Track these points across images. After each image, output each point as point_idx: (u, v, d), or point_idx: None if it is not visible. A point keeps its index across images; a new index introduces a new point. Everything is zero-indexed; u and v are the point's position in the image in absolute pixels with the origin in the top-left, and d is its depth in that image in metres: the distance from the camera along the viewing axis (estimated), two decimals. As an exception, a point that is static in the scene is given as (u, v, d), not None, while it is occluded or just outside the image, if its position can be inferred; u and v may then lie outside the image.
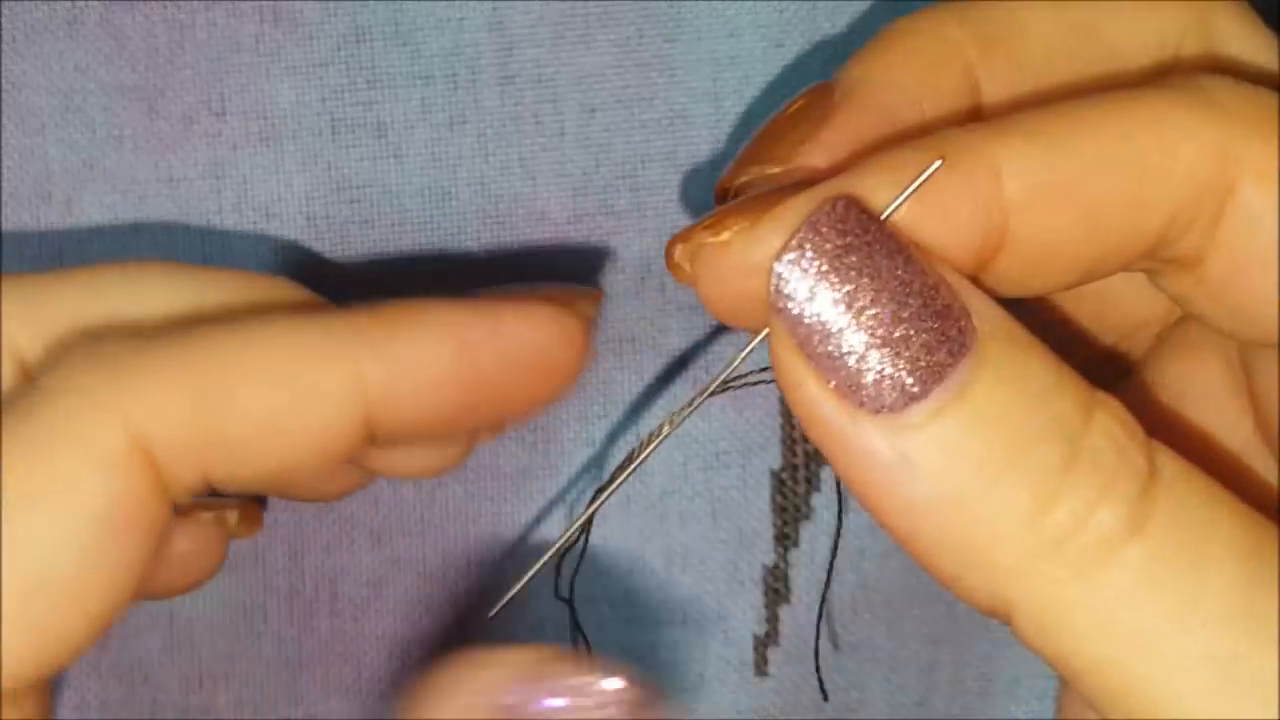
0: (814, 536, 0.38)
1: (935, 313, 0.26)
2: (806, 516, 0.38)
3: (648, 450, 0.29)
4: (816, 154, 0.29)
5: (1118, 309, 0.33)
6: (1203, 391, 0.31)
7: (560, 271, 0.38)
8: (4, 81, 0.36)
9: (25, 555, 0.27)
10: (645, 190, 0.38)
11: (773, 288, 0.26)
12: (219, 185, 0.37)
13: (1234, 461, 0.31)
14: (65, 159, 0.37)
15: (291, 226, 0.37)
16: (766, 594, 0.39)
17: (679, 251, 0.28)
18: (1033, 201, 0.27)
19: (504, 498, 0.38)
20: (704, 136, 0.37)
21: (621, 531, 0.38)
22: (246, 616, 0.38)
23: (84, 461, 0.27)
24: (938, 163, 0.27)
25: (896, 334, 0.26)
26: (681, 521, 0.38)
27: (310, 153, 0.37)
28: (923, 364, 0.26)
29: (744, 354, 0.28)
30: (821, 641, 0.38)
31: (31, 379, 0.29)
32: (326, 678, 0.38)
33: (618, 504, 0.38)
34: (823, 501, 0.38)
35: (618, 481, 0.29)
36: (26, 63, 0.36)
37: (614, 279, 0.38)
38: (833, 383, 0.26)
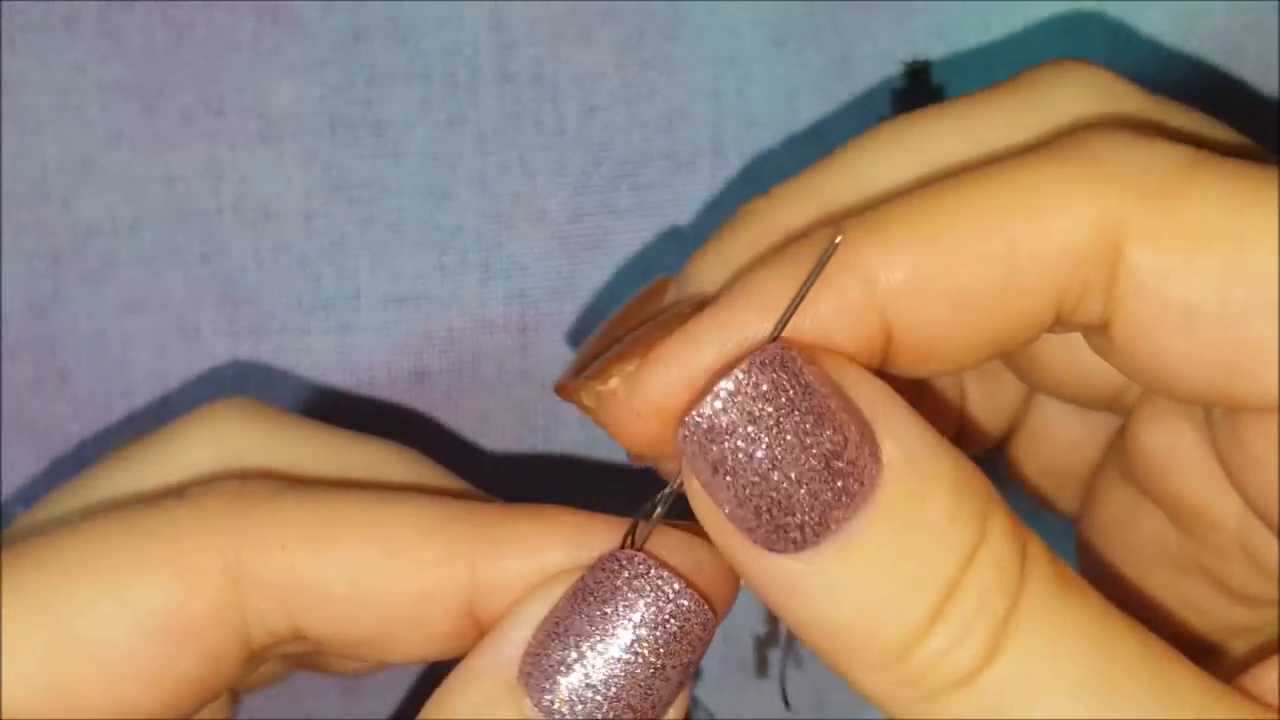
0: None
1: (837, 472, 0.26)
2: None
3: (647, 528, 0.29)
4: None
5: (1087, 373, 0.33)
6: (1186, 459, 0.31)
7: (560, 271, 0.37)
8: (1, 80, 0.36)
9: (78, 617, 0.29)
10: (645, 189, 0.37)
11: (683, 431, 0.27)
12: (217, 184, 0.37)
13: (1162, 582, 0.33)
14: (63, 157, 0.37)
15: (290, 225, 0.37)
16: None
17: (585, 398, 0.29)
18: (906, 299, 0.27)
19: (504, 497, 0.38)
20: (704, 135, 0.37)
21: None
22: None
23: (164, 563, 0.29)
24: (837, 241, 0.27)
25: (797, 493, 0.26)
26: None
27: (309, 151, 0.37)
28: (816, 519, 0.26)
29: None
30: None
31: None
32: (326, 676, 0.38)
33: (618, 504, 0.38)
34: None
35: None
36: (24, 61, 0.36)
37: (614, 278, 0.38)
38: (733, 522, 0.27)
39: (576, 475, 0.38)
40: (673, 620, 0.28)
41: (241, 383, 0.37)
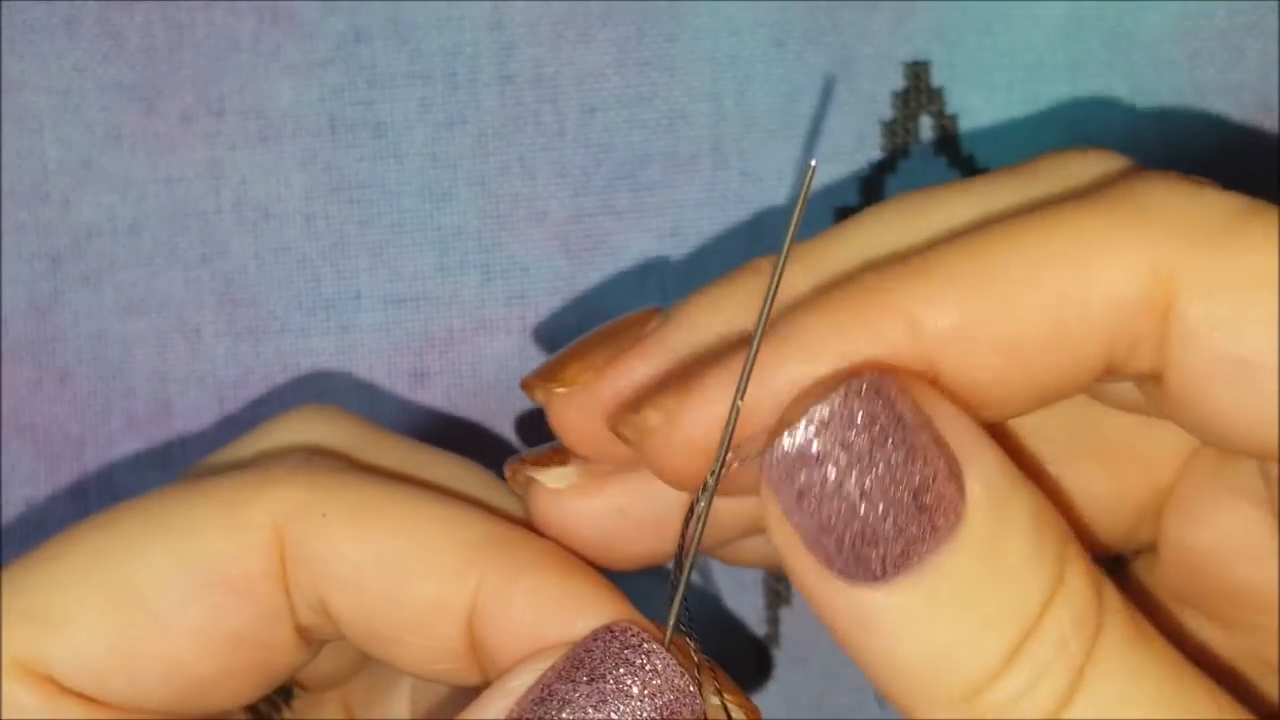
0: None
1: (924, 506, 0.26)
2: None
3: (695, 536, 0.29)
4: (610, 380, 0.29)
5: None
6: (1242, 542, 0.30)
7: (560, 272, 0.37)
8: (2, 81, 0.36)
9: (135, 572, 0.29)
10: (645, 189, 0.37)
11: (772, 453, 0.26)
12: (217, 185, 0.37)
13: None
14: (63, 158, 0.37)
15: (290, 226, 0.37)
16: (767, 595, 0.38)
17: (624, 430, 0.29)
18: (952, 346, 0.27)
19: (503, 498, 0.38)
20: (704, 136, 0.37)
21: (621, 532, 0.38)
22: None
23: (219, 520, 0.29)
24: (812, 163, 0.27)
25: (882, 526, 0.26)
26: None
27: (309, 152, 0.37)
28: (899, 552, 0.26)
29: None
30: (817, 643, 0.38)
31: None
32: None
33: (617, 505, 0.38)
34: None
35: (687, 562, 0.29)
36: (25, 62, 0.36)
37: (614, 279, 0.38)
38: (812, 550, 0.26)
39: (576, 476, 0.38)
40: (662, 699, 0.28)
41: (242, 384, 0.37)
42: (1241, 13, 0.37)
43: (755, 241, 0.37)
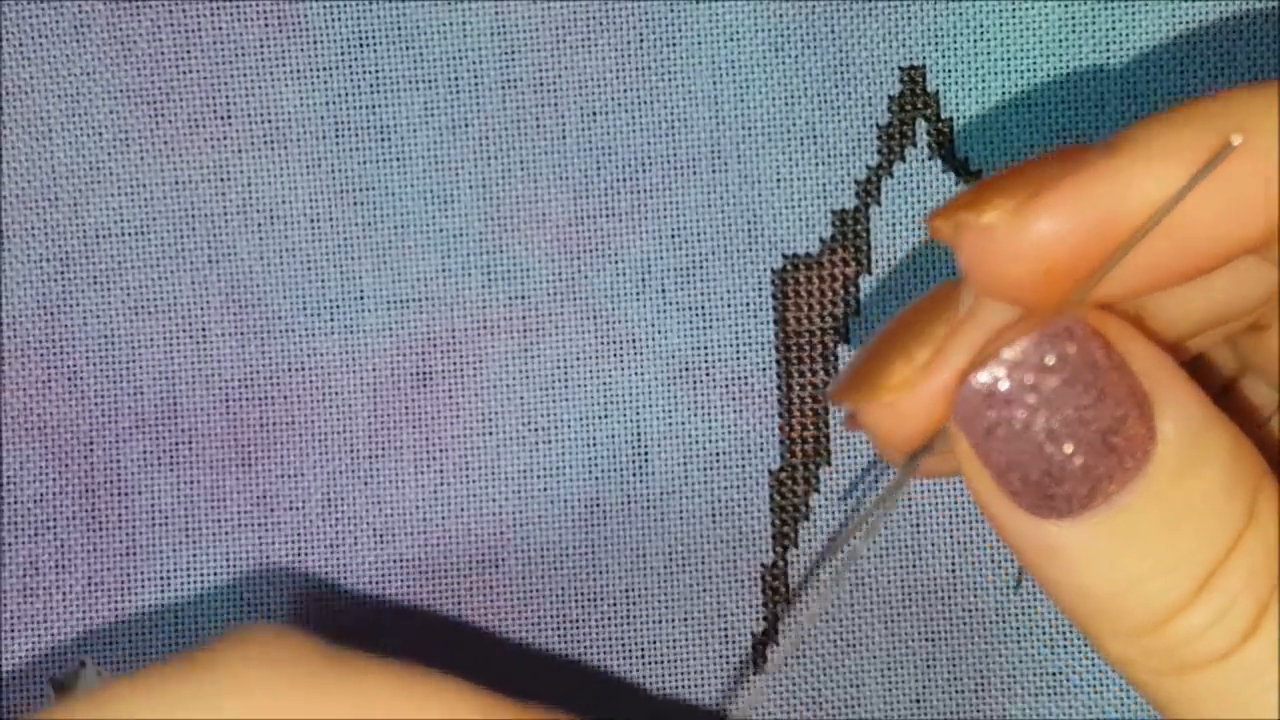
0: (812, 536, 0.39)
1: (1113, 447, 0.26)
2: (805, 516, 0.39)
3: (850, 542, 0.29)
4: (937, 376, 0.28)
5: None
6: None
7: (561, 274, 0.38)
8: (11, 85, 0.37)
9: None
10: (646, 193, 0.38)
11: (962, 390, 0.26)
12: (224, 188, 0.37)
13: None
14: (72, 162, 0.37)
15: (296, 229, 0.37)
16: (765, 593, 0.39)
17: (941, 223, 0.28)
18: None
19: (504, 497, 0.38)
20: (703, 140, 0.38)
21: (621, 531, 0.38)
22: (249, 616, 0.38)
23: None
24: (1234, 143, 0.25)
25: (1070, 464, 0.26)
26: (682, 521, 0.38)
27: (314, 156, 0.37)
28: (1086, 491, 0.26)
29: (924, 452, 0.28)
30: (814, 639, 0.39)
31: None
32: None
33: (618, 504, 0.38)
34: (821, 502, 0.38)
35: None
36: (34, 66, 0.37)
37: (615, 280, 0.38)
38: (1001, 485, 0.27)
39: (576, 475, 0.38)
40: None
41: (248, 384, 0.38)
42: (1234, 16, 0.37)
43: (754, 244, 0.38)
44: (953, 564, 0.38)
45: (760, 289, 0.38)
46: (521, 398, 0.38)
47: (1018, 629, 0.38)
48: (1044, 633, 0.38)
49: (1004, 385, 0.26)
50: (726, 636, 0.39)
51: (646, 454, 0.38)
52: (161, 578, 0.38)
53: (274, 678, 0.27)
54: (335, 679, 0.28)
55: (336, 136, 0.37)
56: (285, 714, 0.27)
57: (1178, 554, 0.26)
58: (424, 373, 0.38)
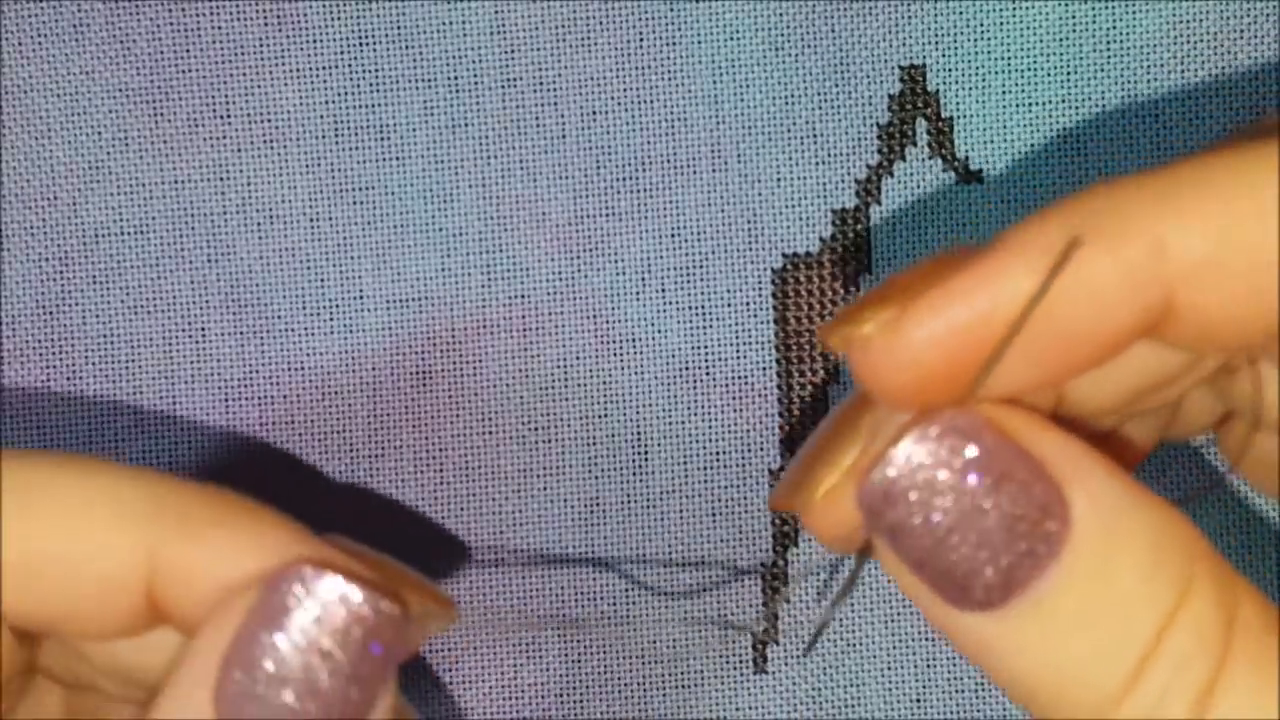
0: (813, 536, 0.38)
1: (1021, 534, 0.26)
2: (805, 516, 0.39)
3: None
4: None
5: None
6: None
7: (561, 273, 0.38)
8: (10, 85, 0.37)
9: None
10: (645, 192, 0.38)
11: (860, 498, 0.26)
12: (223, 187, 0.37)
13: None
14: (71, 161, 0.37)
15: (295, 228, 0.37)
16: (766, 593, 0.39)
17: (831, 339, 0.28)
18: (1201, 275, 0.25)
19: (504, 497, 0.38)
20: (703, 139, 0.38)
21: (621, 531, 0.38)
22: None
23: None
24: (1080, 244, 0.25)
25: (978, 556, 0.26)
26: (682, 521, 0.38)
27: (314, 155, 0.37)
28: (1000, 583, 0.26)
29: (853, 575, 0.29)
30: (818, 640, 0.39)
31: None
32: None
33: (618, 503, 0.38)
34: (821, 501, 0.39)
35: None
36: (33, 66, 0.37)
37: (615, 280, 0.38)
38: (921, 579, 0.26)
39: (577, 476, 0.38)
40: (348, 619, 0.28)
41: (247, 383, 0.38)
42: (1234, 16, 0.37)
43: (754, 243, 0.38)
44: None
45: (760, 289, 0.38)
46: (521, 398, 0.38)
47: (1018, 629, 0.38)
48: (1044, 632, 0.38)
49: (899, 484, 0.26)
50: (726, 636, 0.39)
51: (646, 454, 0.38)
52: (161, 578, 0.38)
53: None
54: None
55: (336, 136, 0.37)
56: None
57: (1103, 642, 0.25)
58: (424, 372, 0.38)
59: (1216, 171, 0.25)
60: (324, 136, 0.37)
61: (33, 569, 0.28)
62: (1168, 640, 0.25)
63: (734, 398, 0.38)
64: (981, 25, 0.37)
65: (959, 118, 0.38)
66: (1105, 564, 0.26)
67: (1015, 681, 0.26)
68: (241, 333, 0.38)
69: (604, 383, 0.38)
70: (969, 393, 0.27)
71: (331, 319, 0.38)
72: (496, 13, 0.37)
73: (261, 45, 0.37)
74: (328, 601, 0.28)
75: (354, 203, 0.37)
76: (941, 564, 0.26)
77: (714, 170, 0.38)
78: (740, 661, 0.39)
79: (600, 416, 0.38)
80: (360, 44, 0.37)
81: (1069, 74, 0.37)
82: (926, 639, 0.39)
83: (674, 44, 0.37)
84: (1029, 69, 0.37)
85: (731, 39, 0.37)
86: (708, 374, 0.38)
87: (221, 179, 0.37)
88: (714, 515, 0.38)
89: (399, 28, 0.37)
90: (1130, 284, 0.25)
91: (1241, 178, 0.25)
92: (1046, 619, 0.26)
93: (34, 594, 0.28)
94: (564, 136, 0.38)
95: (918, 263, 0.28)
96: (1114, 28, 0.37)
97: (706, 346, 0.38)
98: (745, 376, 0.38)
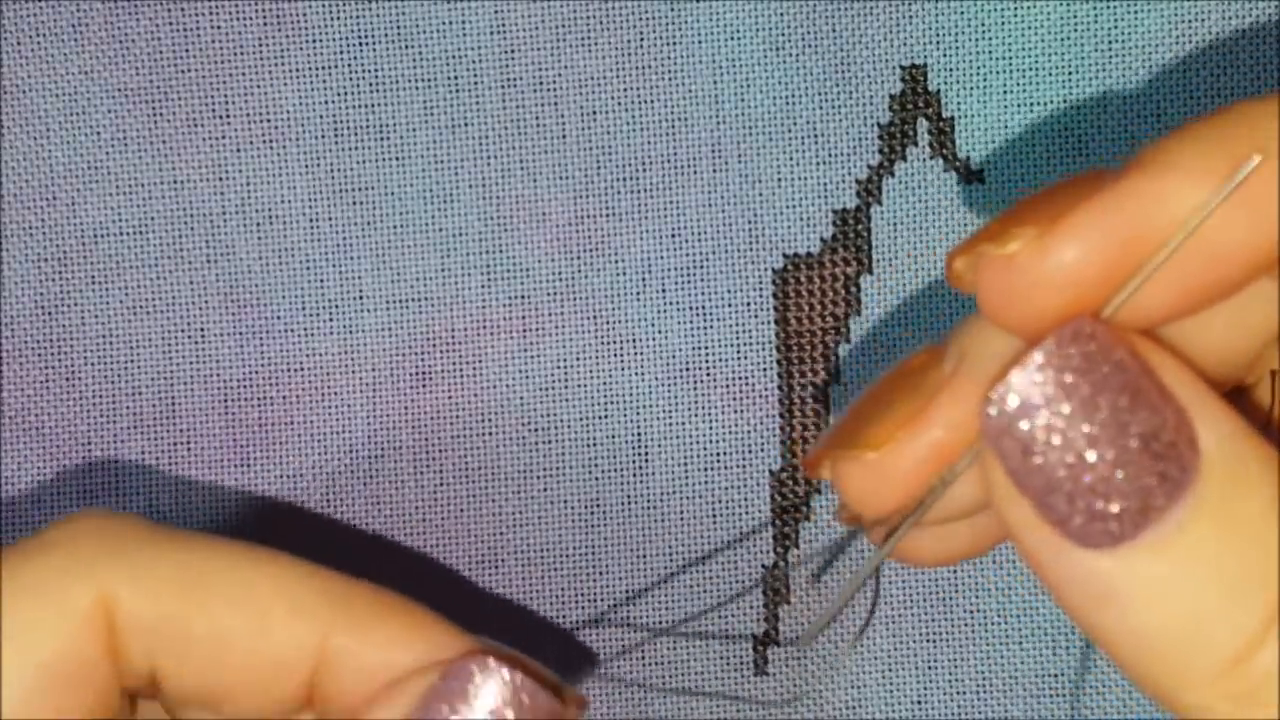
0: (813, 537, 0.39)
1: (1156, 454, 0.25)
2: (806, 517, 0.39)
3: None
4: (923, 433, 0.27)
5: None
6: None
7: (562, 274, 0.38)
8: (9, 84, 0.37)
9: None
10: (646, 192, 0.38)
11: (989, 410, 0.25)
12: (222, 187, 0.37)
13: None
14: (70, 161, 0.37)
15: (294, 228, 0.37)
16: (766, 594, 0.39)
17: (960, 263, 0.27)
18: None
19: (504, 498, 0.38)
20: (703, 139, 0.38)
21: (621, 531, 0.38)
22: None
23: (49, 610, 0.29)
24: (1254, 161, 0.25)
25: (1114, 476, 0.25)
26: (682, 521, 0.38)
27: (313, 155, 0.37)
28: (1135, 507, 0.25)
29: (963, 465, 0.27)
30: (818, 640, 0.39)
31: None
32: None
33: (618, 504, 0.38)
34: (822, 502, 0.39)
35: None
36: (31, 65, 0.37)
37: (615, 280, 0.38)
38: (1043, 513, 0.25)
39: (576, 475, 0.38)
40: (520, 706, 0.29)
41: (246, 384, 0.38)
42: (1235, 16, 0.37)
43: (755, 243, 0.38)
44: (954, 565, 0.38)
45: (761, 289, 0.38)
46: (521, 398, 0.38)
47: (1019, 630, 0.38)
48: (1045, 634, 0.38)
49: (1034, 393, 0.25)
50: (727, 637, 0.39)
51: (646, 454, 0.38)
52: (160, 578, 0.38)
53: (111, 555, 0.29)
54: (170, 548, 0.30)
55: (335, 136, 0.37)
56: (126, 584, 0.29)
57: (1240, 581, 0.24)
58: (424, 372, 0.38)
59: None
60: (324, 136, 0.37)
61: (223, 643, 0.29)
62: None
63: (734, 398, 0.38)
64: (983, 25, 0.37)
65: (960, 118, 0.38)
66: (1234, 499, 0.25)
67: (1140, 634, 0.25)
68: (241, 333, 0.38)
69: (604, 383, 0.38)
70: (1110, 311, 0.26)
71: (331, 319, 0.38)
72: (496, 13, 0.37)
73: (261, 45, 0.37)
74: (503, 688, 0.29)
75: (354, 203, 0.37)
76: (1075, 487, 0.25)
77: (714, 170, 0.38)
78: (740, 663, 0.39)
79: (600, 417, 0.38)
80: (360, 44, 0.37)
81: (1070, 74, 0.37)
82: (927, 640, 0.39)
83: (674, 44, 0.37)
84: (1030, 69, 0.37)
85: (732, 39, 0.37)
86: (708, 374, 0.38)
87: (221, 179, 0.37)
88: (714, 515, 0.38)
89: (399, 28, 0.37)
90: (1257, 209, 0.25)
91: None
92: (1181, 553, 0.24)
93: (218, 667, 0.30)
94: (564, 136, 0.38)
95: (1047, 185, 0.27)
96: (1115, 28, 0.37)
97: (707, 347, 0.38)
98: (745, 377, 0.38)
